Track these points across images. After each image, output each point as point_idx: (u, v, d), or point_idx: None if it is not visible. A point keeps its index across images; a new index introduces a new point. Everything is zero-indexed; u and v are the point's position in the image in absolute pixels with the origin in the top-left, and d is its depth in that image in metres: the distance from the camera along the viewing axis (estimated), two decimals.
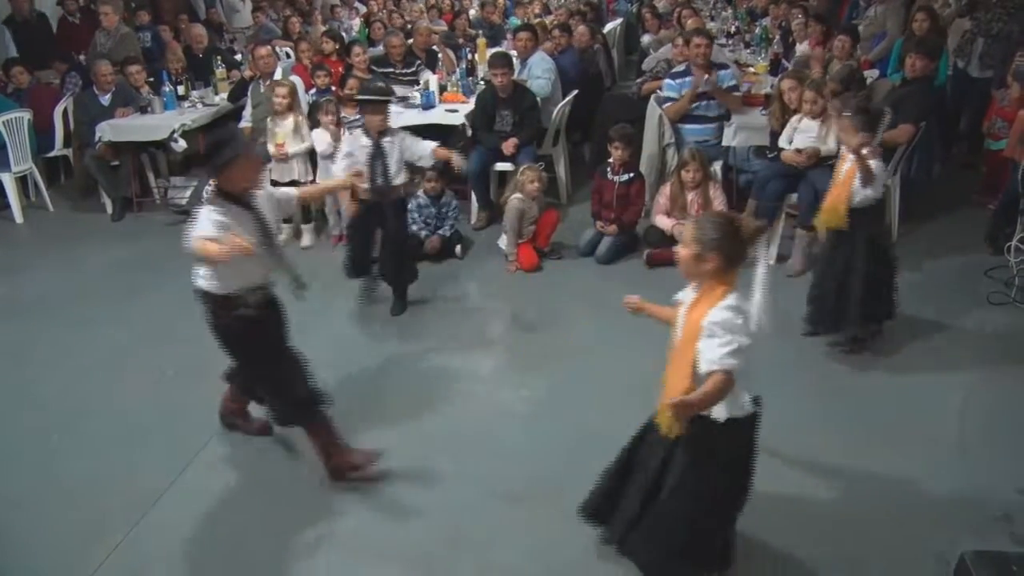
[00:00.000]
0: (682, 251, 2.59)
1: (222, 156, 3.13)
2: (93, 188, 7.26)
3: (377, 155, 4.68)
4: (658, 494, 2.74)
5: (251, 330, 3.34)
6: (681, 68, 6.25)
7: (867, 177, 4.00)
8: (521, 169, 5.67)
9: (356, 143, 4.75)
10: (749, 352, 2.45)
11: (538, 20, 9.48)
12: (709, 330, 2.44)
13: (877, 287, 4.26)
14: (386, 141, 4.70)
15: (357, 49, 7.25)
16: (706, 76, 6.02)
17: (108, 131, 6.77)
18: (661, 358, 4.36)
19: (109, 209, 7.05)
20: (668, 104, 6.19)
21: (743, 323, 2.46)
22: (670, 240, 5.51)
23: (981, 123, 6.69)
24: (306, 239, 6.25)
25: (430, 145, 4.86)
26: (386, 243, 4.96)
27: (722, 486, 2.70)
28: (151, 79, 7.44)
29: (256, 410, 3.82)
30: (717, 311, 2.45)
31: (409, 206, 5.94)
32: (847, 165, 4.10)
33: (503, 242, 5.66)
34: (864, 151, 3.97)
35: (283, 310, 3.52)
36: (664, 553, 2.75)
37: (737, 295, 2.51)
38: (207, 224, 3.05)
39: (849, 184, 4.07)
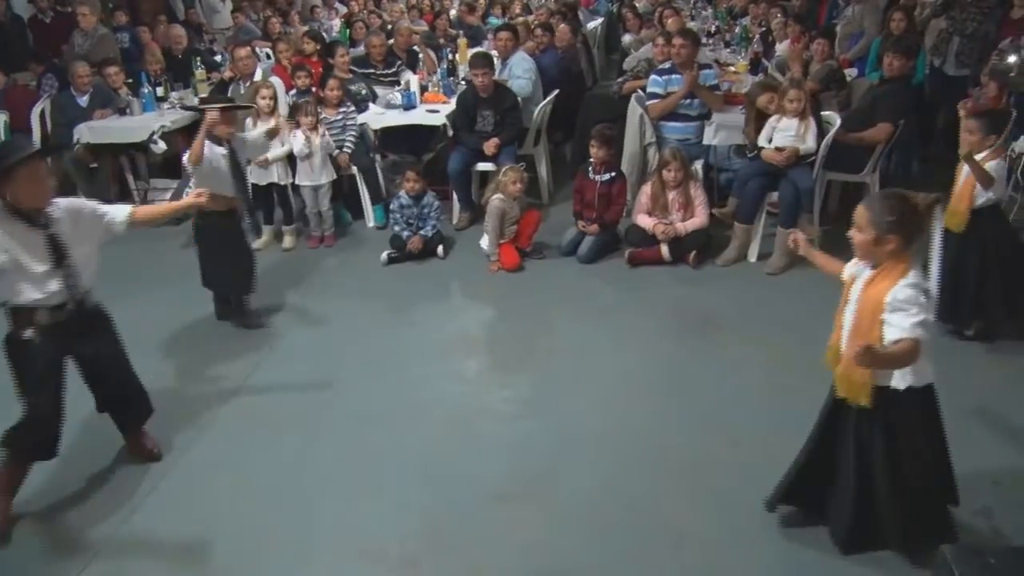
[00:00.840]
0: (858, 236, 2.62)
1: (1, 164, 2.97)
2: (71, 191, 7.18)
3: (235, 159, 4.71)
4: (869, 481, 2.80)
5: (22, 352, 3.19)
6: (667, 65, 6.27)
7: (984, 180, 3.99)
8: (503, 170, 5.68)
9: (214, 153, 4.59)
10: (931, 327, 2.53)
11: (521, 20, 9.47)
12: (895, 305, 2.51)
13: (1016, 281, 4.26)
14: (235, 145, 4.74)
15: (340, 50, 7.22)
16: (690, 78, 6.02)
17: (86, 133, 6.71)
18: (642, 359, 4.41)
19: None
20: (653, 101, 6.20)
21: (926, 300, 2.53)
22: (651, 239, 5.55)
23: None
24: (287, 241, 6.22)
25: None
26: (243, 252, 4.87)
27: (928, 448, 2.78)
28: (129, 80, 7.38)
29: None
30: (901, 288, 2.52)
31: (391, 206, 5.94)
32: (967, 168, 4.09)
33: (484, 242, 5.66)
34: (978, 157, 3.98)
35: (76, 340, 3.37)
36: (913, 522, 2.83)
37: (916, 272, 2.57)
38: None
39: (970, 186, 4.07)
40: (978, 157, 4.02)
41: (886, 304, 2.53)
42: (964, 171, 4.14)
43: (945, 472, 2.89)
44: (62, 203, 3.25)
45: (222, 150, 4.59)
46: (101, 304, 3.55)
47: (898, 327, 2.50)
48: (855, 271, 2.76)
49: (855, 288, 2.70)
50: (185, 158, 4.52)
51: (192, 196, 3.80)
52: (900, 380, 2.65)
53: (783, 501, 3.12)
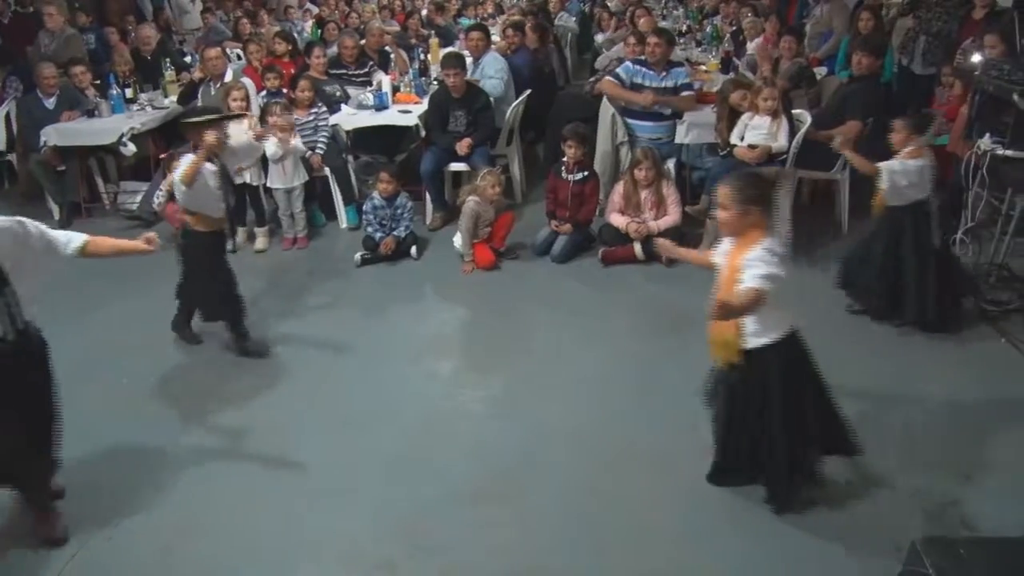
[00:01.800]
0: (724, 213, 2.96)
1: None
2: (39, 194, 7.09)
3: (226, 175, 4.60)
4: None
5: None
6: (642, 58, 6.31)
7: (866, 168, 4.37)
8: (482, 174, 5.66)
9: (205, 170, 4.29)
10: (782, 284, 2.79)
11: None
12: (747, 264, 2.82)
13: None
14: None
15: (316, 51, 7.18)
16: (650, 99, 6.10)
17: (54, 135, 6.62)
18: (615, 358, 4.43)
19: (56, 215, 6.89)
20: (611, 80, 6.25)
21: (777, 259, 2.81)
22: (624, 238, 5.57)
23: None
24: (260, 243, 6.18)
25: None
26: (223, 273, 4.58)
27: (797, 398, 3.05)
28: (97, 82, 7.29)
29: None
30: (753, 252, 2.83)
31: (364, 207, 5.92)
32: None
33: (458, 241, 5.65)
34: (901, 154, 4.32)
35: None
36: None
37: (771, 240, 2.87)
38: None
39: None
40: (901, 155, 4.33)
41: (744, 260, 2.84)
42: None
43: (831, 418, 3.18)
44: (2, 222, 2.97)
45: (212, 167, 4.33)
46: (40, 334, 3.17)
47: (748, 278, 2.79)
48: (722, 249, 3.08)
49: (721, 263, 3.04)
50: (177, 176, 4.20)
51: (142, 242, 3.38)
52: (756, 340, 2.98)
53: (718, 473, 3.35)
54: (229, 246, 5.94)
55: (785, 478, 3.16)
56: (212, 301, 4.56)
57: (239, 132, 5.90)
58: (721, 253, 3.07)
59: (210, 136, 4.21)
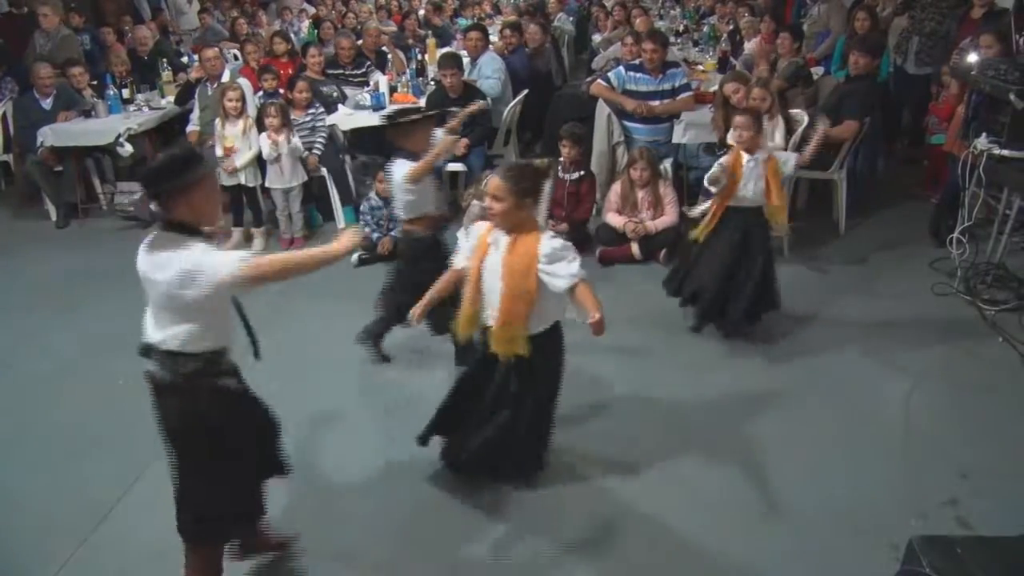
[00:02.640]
0: (499, 205, 2.94)
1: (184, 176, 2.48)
2: (36, 194, 7.08)
3: None
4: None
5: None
6: (637, 62, 6.31)
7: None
8: (487, 179, 5.63)
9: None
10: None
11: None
12: (553, 257, 2.88)
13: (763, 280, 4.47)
14: None
15: (312, 51, 7.17)
16: (641, 109, 6.10)
17: (50, 136, 6.62)
18: (613, 354, 4.43)
19: (53, 216, 6.89)
20: (601, 83, 6.27)
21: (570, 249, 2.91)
22: (621, 238, 5.57)
23: (922, 118, 6.86)
24: (257, 243, 6.17)
25: None
26: None
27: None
28: (94, 82, 7.28)
29: None
30: (546, 243, 2.90)
31: (361, 207, 5.91)
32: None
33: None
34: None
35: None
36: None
37: (546, 230, 2.99)
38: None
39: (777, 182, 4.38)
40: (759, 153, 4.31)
41: (541, 258, 2.89)
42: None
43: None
44: None
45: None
46: None
47: (567, 275, 2.88)
48: (490, 238, 3.06)
49: (494, 256, 3.02)
50: (401, 178, 3.96)
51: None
52: (539, 325, 3.07)
53: (430, 434, 3.43)
54: (227, 247, 5.95)
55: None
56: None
57: (236, 131, 5.92)
58: (493, 242, 3.05)
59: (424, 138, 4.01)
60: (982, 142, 4.73)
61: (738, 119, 4.34)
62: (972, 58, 5.32)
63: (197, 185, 2.50)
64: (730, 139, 4.98)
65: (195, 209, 2.52)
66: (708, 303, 4.50)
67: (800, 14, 9.47)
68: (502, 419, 3.18)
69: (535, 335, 3.06)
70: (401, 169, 3.92)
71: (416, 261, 4.17)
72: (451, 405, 3.35)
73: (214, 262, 2.42)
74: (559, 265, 2.89)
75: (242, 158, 5.91)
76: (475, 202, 5.58)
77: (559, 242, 2.92)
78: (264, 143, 5.81)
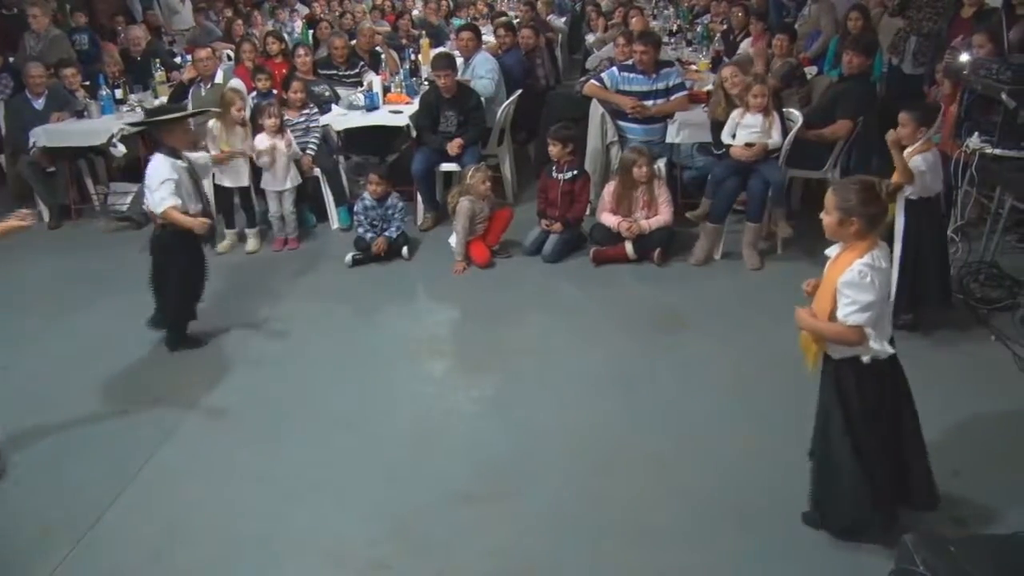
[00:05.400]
0: (826, 218, 2.77)
1: None
2: (28, 195, 7.06)
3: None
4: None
5: None
6: (630, 62, 6.32)
7: (905, 174, 4.15)
8: (470, 172, 5.65)
9: (177, 167, 4.31)
10: (879, 307, 2.68)
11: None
12: (842, 289, 2.67)
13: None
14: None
15: (301, 51, 7.17)
16: (629, 102, 6.11)
17: (43, 136, 6.59)
18: (607, 357, 4.43)
19: (46, 217, 6.87)
20: (594, 83, 6.28)
21: (871, 281, 2.64)
22: (616, 237, 5.57)
23: None
24: (251, 244, 6.17)
25: None
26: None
27: (866, 430, 2.87)
28: (87, 82, 7.27)
29: None
30: (849, 272, 2.66)
31: (355, 208, 5.91)
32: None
33: (453, 240, 5.65)
34: (910, 149, 4.19)
35: None
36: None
37: (875, 253, 2.69)
38: None
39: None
40: (910, 149, 4.20)
41: (838, 285, 2.68)
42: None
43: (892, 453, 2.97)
44: None
45: (181, 163, 4.34)
46: None
47: (846, 310, 2.66)
48: (831, 252, 2.90)
49: (826, 266, 2.87)
50: (162, 206, 4.20)
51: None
52: (836, 352, 2.83)
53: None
54: (217, 248, 5.97)
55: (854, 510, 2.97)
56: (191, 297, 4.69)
57: (236, 137, 5.90)
58: (831, 252, 2.89)
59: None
60: (974, 141, 4.75)
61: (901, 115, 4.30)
62: (964, 58, 5.33)
63: None
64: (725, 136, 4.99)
65: None
66: None
67: (783, 15, 9.47)
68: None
69: (834, 360, 2.86)
70: (159, 164, 4.21)
71: (171, 253, 4.45)
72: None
73: None
74: (841, 299, 2.68)
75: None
76: (464, 199, 5.59)
77: (855, 275, 2.65)
78: (263, 143, 5.80)
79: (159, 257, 4.47)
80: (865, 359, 2.75)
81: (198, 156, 4.96)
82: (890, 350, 2.78)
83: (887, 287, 2.76)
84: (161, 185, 4.17)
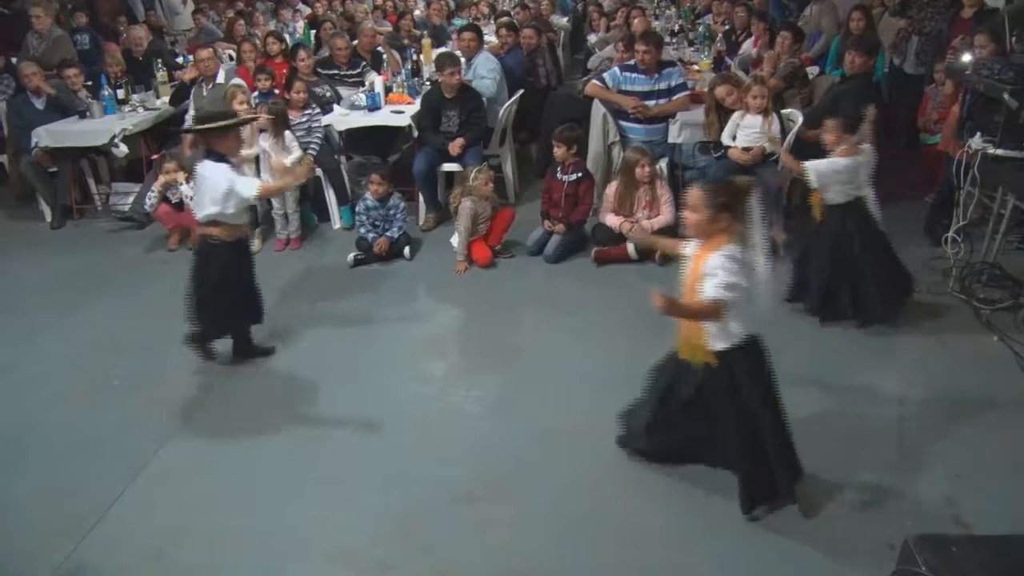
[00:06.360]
0: (693, 216, 2.99)
1: None
2: (31, 195, 7.08)
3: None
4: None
5: None
6: (632, 62, 6.32)
7: (797, 169, 4.50)
8: (472, 174, 5.65)
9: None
10: (743, 292, 2.87)
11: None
12: (707, 271, 2.88)
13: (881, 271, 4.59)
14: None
15: (302, 52, 7.17)
16: (632, 102, 6.11)
17: (45, 137, 6.60)
18: (609, 357, 4.43)
19: (48, 217, 6.88)
20: (596, 83, 6.28)
21: (733, 265, 2.86)
22: (618, 238, 5.57)
23: (916, 118, 6.87)
24: (254, 244, 6.15)
25: None
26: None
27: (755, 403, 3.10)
28: (89, 83, 7.27)
29: None
30: (715, 257, 2.88)
31: (357, 208, 5.91)
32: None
33: (455, 240, 5.65)
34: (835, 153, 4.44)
35: None
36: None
37: (735, 246, 2.90)
38: None
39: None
40: (834, 152, 4.45)
41: (704, 271, 2.90)
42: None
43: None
44: None
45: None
46: None
47: (708, 287, 2.86)
48: (689, 249, 3.12)
49: (687, 262, 3.10)
50: (254, 191, 4.08)
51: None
52: (717, 343, 3.04)
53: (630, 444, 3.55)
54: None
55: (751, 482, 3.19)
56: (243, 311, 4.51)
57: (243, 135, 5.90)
58: (690, 250, 3.12)
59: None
60: (977, 141, 4.75)
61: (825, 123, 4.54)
62: (966, 58, 5.33)
63: None
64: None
65: None
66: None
67: (785, 15, 9.47)
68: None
69: (719, 351, 3.05)
70: (214, 171, 4.01)
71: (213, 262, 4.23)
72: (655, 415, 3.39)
73: None
74: (707, 280, 2.87)
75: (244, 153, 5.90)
76: (465, 200, 5.59)
77: (720, 259, 2.87)
78: (265, 143, 5.81)
79: (207, 269, 4.22)
80: (719, 346, 3.02)
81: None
82: (743, 333, 3.01)
83: (751, 280, 2.92)
84: (231, 187, 3.96)
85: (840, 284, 4.60)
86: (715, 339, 3.03)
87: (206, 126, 4.04)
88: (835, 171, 4.41)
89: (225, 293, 4.27)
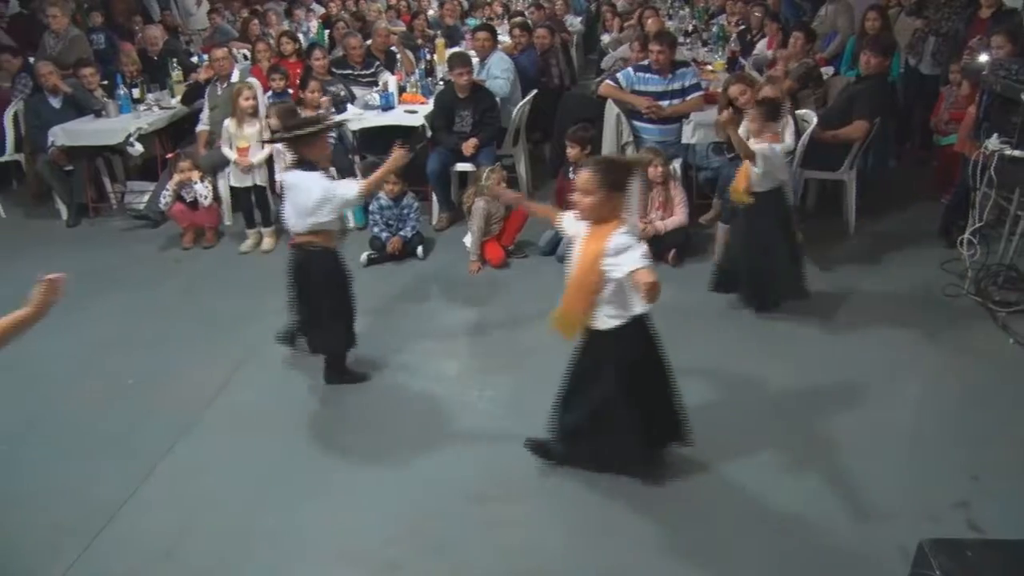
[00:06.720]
0: (587, 199, 2.98)
1: None
2: (47, 194, 7.13)
3: None
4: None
5: None
6: (645, 62, 6.30)
7: (746, 152, 4.46)
8: (485, 173, 5.65)
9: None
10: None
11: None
12: (618, 250, 2.89)
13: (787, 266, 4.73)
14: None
15: (317, 52, 7.19)
16: (645, 103, 6.10)
17: (61, 135, 6.64)
18: None
19: (64, 215, 6.93)
20: (610, 84, 6.27)
21: (638, 240, 2.94)
22: None
23: (930, 119, 6.84)
24: (267, 243, 6.20)
25: None
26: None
27: (631, 382, 3.20)
28: (104, 82, 7.31)
29: None
30: (619, 236, 2.91)
31: (371, 207, 5.92)
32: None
33: (468, 240, 5.65)
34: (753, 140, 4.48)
35: None
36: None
37: (627, 224, 2.97)
38: None
39: (746, 168, 4.53)
40: (754, 140, 4.49)
41: (607, 251, 2.91)
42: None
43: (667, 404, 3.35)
44: None
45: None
46: None
47: (629, 262, 2.85)
48: (571, 229, 3.17)
49: (575, 245, 3.12)
50: (356, 191, 3.94)
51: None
52: (607, 323, 3.10)
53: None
54: (240, 247, 6.00)
55: (618, 457, 3.37)
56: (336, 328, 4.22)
57: (251, 132, 5.93)
58: (572, 228, 3.15)
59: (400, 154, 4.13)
60: (993, 142, 4.71)
61: (749, 111, 4.63)
62: (983, 58, 5.30)
63: None
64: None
65: None
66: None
67: (799, 15, 9.43)
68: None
69: (603, 331, 3.12)
70: (306, 179, 3.85)
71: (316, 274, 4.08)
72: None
73: None
74: (623, 255, 2.89)
75: (257, 156, 5.93)
76: (478, 200, 5.59)
77: (626, 237, 2.92)
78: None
79: (310, 278, 4.09)
80: (608, 325, 3.09)
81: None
82: (639, 312, 3.10)
83: None
84: (326, 193, 3.81)
85: (765, 270, 4.70)
86: (607, 316, 3.10)
87: (297, 133, 3.89)
88: (776, 156, 4.48)
89: (336, 302, 4.09)
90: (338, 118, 5.53)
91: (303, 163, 3.90)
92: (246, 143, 5.91)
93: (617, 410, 3.22)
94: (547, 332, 3.24)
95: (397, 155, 4.04)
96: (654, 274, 2.81)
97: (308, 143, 3.89)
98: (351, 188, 3.89)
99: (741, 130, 4.57)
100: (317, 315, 4.11)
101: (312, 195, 3.79)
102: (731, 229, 4.98)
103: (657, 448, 3.45)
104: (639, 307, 3.06)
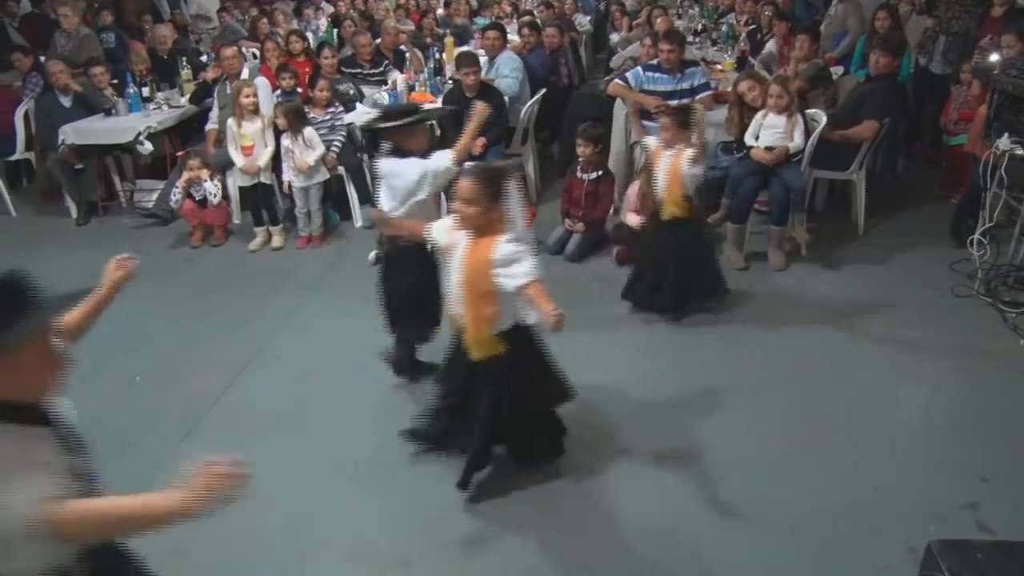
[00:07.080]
0: (469, 209, 2.94)
1: None
2: (57, 192, 7.16)
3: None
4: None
5: None
6: (655, 62, 6.29)
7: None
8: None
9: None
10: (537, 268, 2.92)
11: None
12: (507, 260, 2.88)
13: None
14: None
15: (327, 51, 7.20)
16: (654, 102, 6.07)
17: (71, 134, 6.67)
18: (629, 354, 4.42)
19: (73, 213, 6.96)
20: (619, 83, 6.26)
21: (524, 248, 2.92)
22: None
23: (940, 118, 6.81)
24: (276, 241, 6.21)
25: None
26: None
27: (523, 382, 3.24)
28: (114, 81, 7.34)
29: None
30: (504, 246, 2.90)
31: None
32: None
33: None
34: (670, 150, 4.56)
35: None
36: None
37: (510, 232, 2.95)
38: None
39: (678, 177, 4.56)
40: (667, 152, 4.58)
41: (495, 261, 2.89)
42: (664, 165, 4.62)
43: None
44: None
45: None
46: None
47: (519, 275, 2.85)
48: (445, 239, 3.12)
49: (457, 255, 3.05)
50: (451, 157, 3.79)
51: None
52: (509, 321, 3.09)
53: (417, 439, 3.58)
54: (249, 245, 6.02)
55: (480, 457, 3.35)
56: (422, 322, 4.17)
57: (254, 130, 5.95)
58: (445, 238, 3.12)
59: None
60: (1004, 142, 4.69)
61: (661, 120, 4.68)
62: (994, 57, 5.28)
63: None
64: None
65: None
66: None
67: (811, 13, 9.40)
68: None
69: (505, 332, 3.10)
70: (400, 164, 3.79)
71: (404, 268, 4.03)
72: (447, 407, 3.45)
73: None
74: (513, 267, 2.88)
75: (262, 158, 5.95)
76: None
77: (512, 246, 2.90)
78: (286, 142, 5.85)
79: (400, 273, 4.06)
80: (531, 319, 3.05)
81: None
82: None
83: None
84: (425, 169, 3.75)
85: (682, 279, 4.72)
86: (500, 323, 3.07)
87: (399, 122, 3.85)
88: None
89: (422, 298, 3.99)
90: (430, 107, 5.44)
91: (398, 151, 3.87)
92: (250, 141, 5.93)
93: (484, 413, 3.21)
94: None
95: (479, 110, 4.00)
96: (552, 304, 2.78)
97: (410, 132, 3.88)
98: (446, 156, 3.81)
99: (652, 140, 4.77)
100: (402, 308, 4.12)
101: (411, 176, 3.76)
102: (645, 239, 4.98)
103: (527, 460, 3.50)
104: (530, 318, 3.04)
